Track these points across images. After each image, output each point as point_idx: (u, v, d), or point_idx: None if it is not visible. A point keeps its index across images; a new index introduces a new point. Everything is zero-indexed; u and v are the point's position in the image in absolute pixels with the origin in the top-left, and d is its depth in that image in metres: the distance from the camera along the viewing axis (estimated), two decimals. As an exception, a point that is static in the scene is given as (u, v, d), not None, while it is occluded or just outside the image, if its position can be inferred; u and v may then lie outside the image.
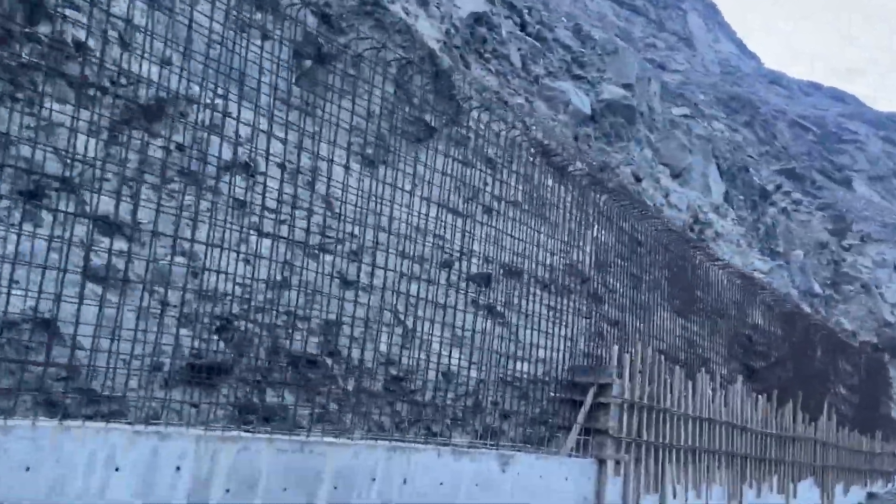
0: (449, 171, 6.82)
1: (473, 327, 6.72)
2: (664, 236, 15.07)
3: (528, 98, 13.01)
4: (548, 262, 8.94)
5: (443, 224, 6.59)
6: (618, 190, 13.78)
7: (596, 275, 10.64)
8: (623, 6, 53.55)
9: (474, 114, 9.03)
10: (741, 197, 25.83)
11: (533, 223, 9.11)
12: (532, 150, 9.85)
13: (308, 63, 6.62)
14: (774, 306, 16.03)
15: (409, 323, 6.29)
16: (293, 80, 6.19)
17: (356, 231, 5.81)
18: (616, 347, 7.90)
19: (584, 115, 15.39)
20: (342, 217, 5.64)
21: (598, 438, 7.13)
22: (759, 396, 13.10)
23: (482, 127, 8.96)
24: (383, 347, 6.07)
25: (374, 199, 5.68)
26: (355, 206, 5.77)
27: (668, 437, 8.53)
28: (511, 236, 7.89)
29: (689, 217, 17.69)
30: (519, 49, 14.42)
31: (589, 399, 7.07)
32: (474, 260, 7.54)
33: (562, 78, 15.87)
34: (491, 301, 7.80)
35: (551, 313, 8.72)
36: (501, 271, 8.60)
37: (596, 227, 12.84)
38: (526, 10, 15.83)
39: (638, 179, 16.00)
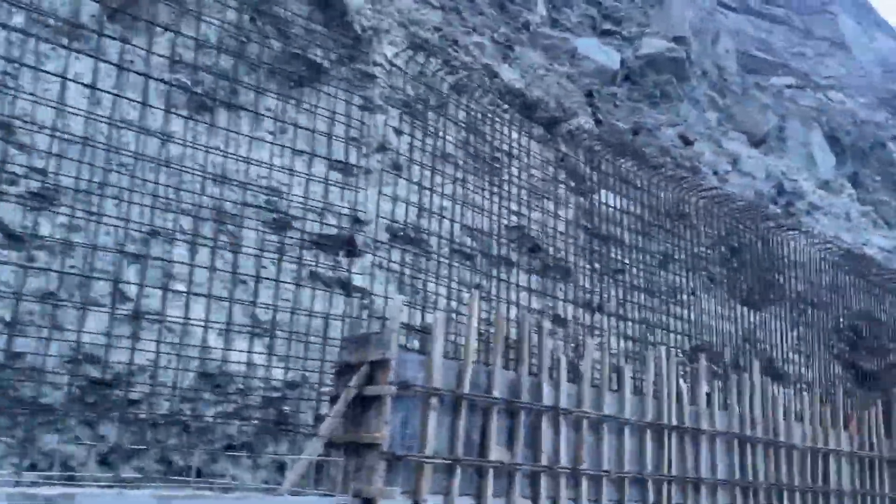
0: (338, 118, 5.50)
1: (300, 306, 4.87)
2: (717, 207, 12.10)
3: (507, 43, 10.82)
4: (478, 225, 6.91)
5: (294, 179, 5.11)
6: (641, 153, 11.20)
7: (576, 246, 8.34)
8: (763, 17, 50.49)
9: (387, 50, 7.31)
10: (877, 177, 21.54)
11: (472, 181, 7.21)
12: (488, 97, 7.89)
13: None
14: (896, 290, 12.35)
15: (152, 301, 4.49)
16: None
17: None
18: (442, 315, 5.16)
19: (610, 71, 12.89)
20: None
21: (363, 459, 4.43)
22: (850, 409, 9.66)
23: (398, 65, 7.20)
24: (85, 338, 4.27)
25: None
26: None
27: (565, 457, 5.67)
28: (427, 191, 6.02)
29: (771, 187, 14.28)
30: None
31: (351, 390, 4.52)
32: (332, 219, 5.71)
33: (584, 34, 13.50)
34: (347, 273, 5.86)
35: (463, 290, 6.60)
36: (388, 237, 6.61)
37: (604, 191, 10.33)
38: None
39: (687, 143, 13.11)
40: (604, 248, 9.84)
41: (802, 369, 11.07)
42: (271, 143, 5.40)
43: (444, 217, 6.41)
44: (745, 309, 10.87)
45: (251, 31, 6.23)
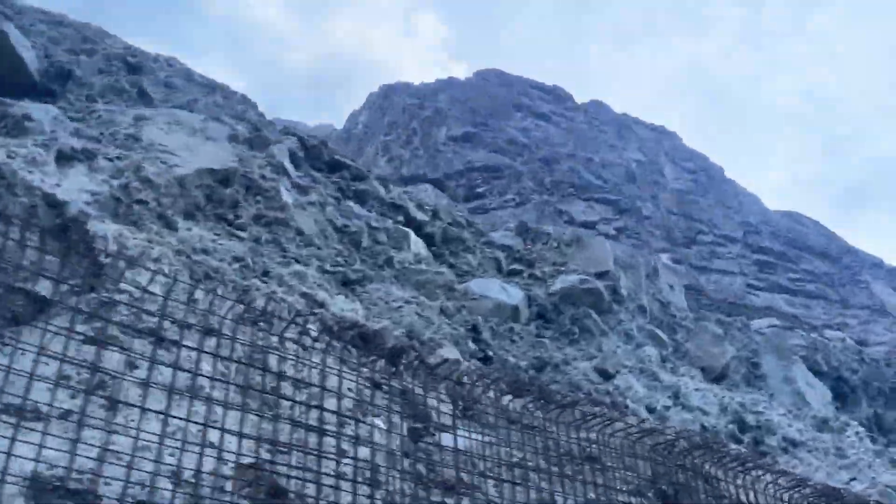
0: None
1: None
2: (640, 446, 10.08)
3: (355, 278, 10.10)
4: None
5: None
6: (545, 389, 9.69)
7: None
8: (796, 295, 51.63)
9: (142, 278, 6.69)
10: None
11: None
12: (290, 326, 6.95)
13: None
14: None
15: None
16: None
17: None
18: None
19: (509, 308, 11.93)
20: None
21: None
22: None
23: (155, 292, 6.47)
24: None
25: None
26: None
27: None
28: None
29: (729, 423, 11.99)
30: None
31: None
32: None
33: (486, 275, 12.84)
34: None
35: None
36: None
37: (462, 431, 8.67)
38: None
39: (607, 377, 11.42)
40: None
41: None
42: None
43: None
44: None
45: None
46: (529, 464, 9.12)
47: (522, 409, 10.02)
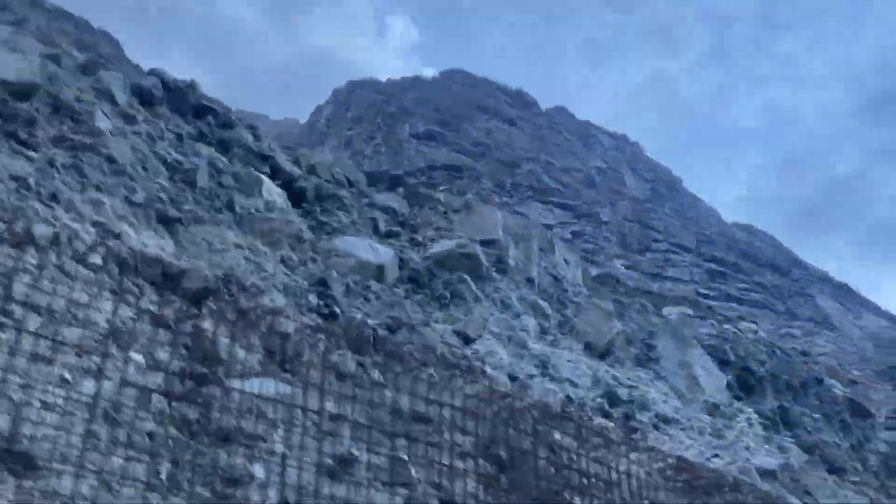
0: None
1: None
2: (486, 408, 9.58)
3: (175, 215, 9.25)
4: None
5: None
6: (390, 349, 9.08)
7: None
8: (743, 304, 52.08)
9: None
10: (816, 414, 18.44)
11: None
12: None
13: None
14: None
15: None
16: None
17: None
18: None
19: (373, 267, 11.22)
20: None
21: None
22: None
23: None
24: None
25: None
26: None
27: None
28: None
29: (599, 396, 11.34)
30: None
31: None
32: None
33: (360, 234, 12.13)
34: None
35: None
36: None
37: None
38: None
39: (468, 341, 10.72)
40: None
41: None
42: None
43: None
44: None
45: None
46: (347, 420, 8.38)
47: (358, 366, 9.30)
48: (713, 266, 56.35)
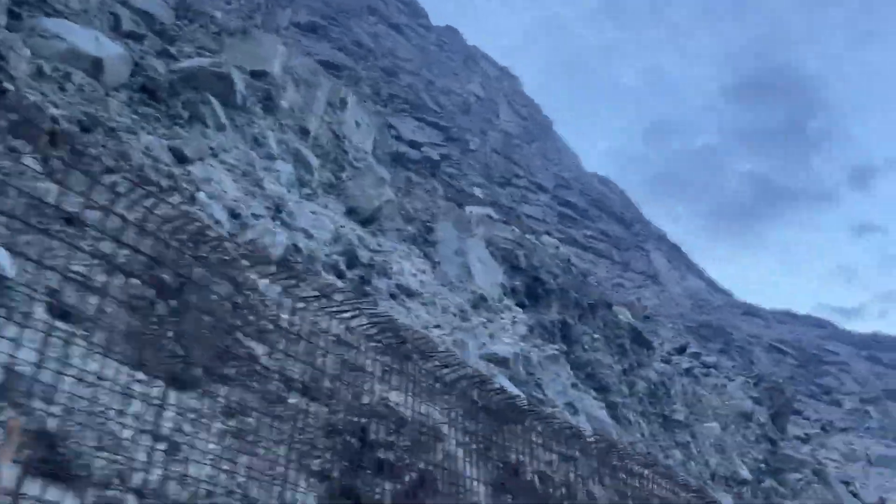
0: None
1: None
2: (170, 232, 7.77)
3: None
4: None
5: None
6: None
7: None
8: (587, 250, 53.76)
9: None
10: (597, 335, 18.23)
11: None
12: None
13: None
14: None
15: None
16: None
17: None
18: None
19: (89, 58, 8.95)
20: None
21: None
22: None
23: None
24: None
25: None
26: None
27: None
28: None
29: (337, 253, 10.01)
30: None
31: None
32: None
33: (91, 26, 9.67)
34: None
35: None
36: None
37: None
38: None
39: (183, 160, 8.88)
40: None
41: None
42: None
43: None
44: (171, 391, 5.94)
45: None
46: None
47: (11, 151, 7.37)
48: (566, 210, 57.52)
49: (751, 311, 53.93)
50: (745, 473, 18.55)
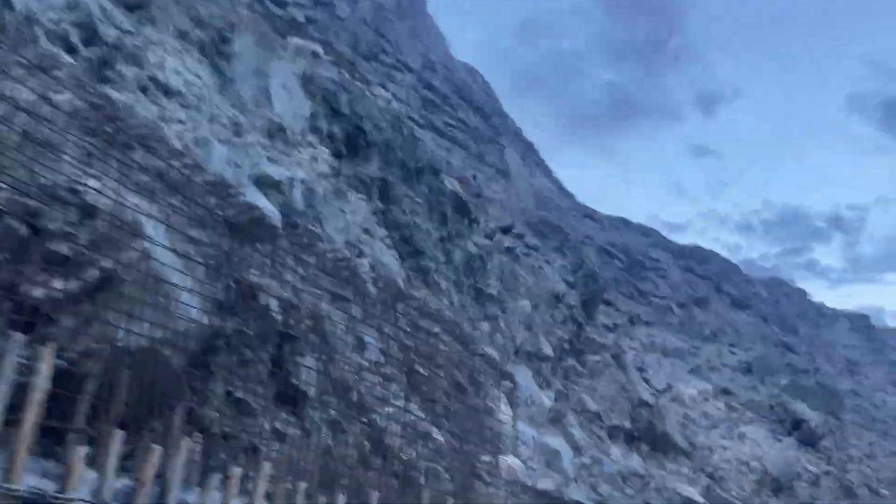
0: None
1: None
2: None
3: None
4: None
5: None
6: None
7: None
8: (444, 137, 52.16)
9: None
10: (420, 200, 17.00)
11: None
12: None
13: None
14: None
15: None
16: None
17: None
18: None
19: None
20: None
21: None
22: None
23: None
24: None
25: None
26: None
27: None
28: None
29: (67, 21, 7.77)
30: None
31: None
32: None
33: None
34: None
35: None
36: None
37: None
38: None
39: None
40: None
41: None
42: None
43: None
44: None
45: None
46: None
47: None
48: (428, 94, 55.54)
49: (589, 215, 55.86)
50: (548, 350, 18.74)
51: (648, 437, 20.46)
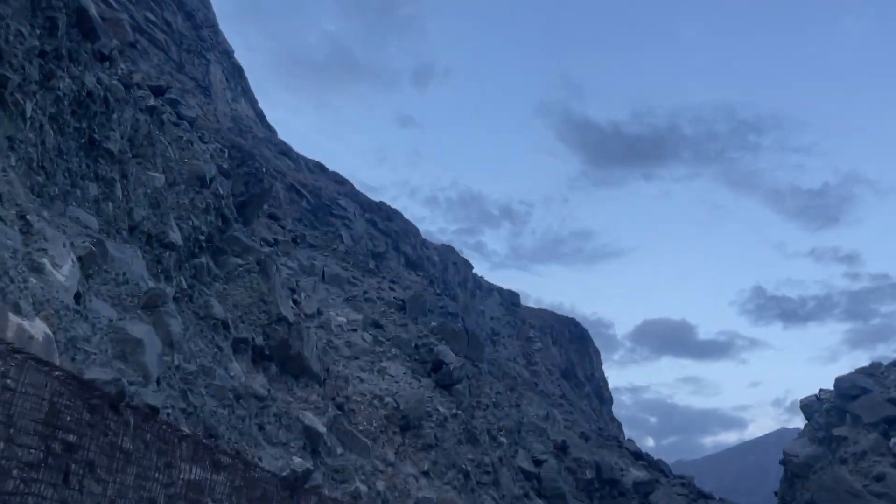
0: None
1: None
2: None
3: None
4: None
5: None
6: None
7: None
8: (143, 35, 44.12)
9: None
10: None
11: None
12: None
13: None
14: None
15: None
16: None
17: None
18: None
19: None
20: None
21: None
22: None
23: None
24: None
25: None
26: None
27: None
28: None
29: None
30: None
31: None
32: None
33: None
34: None
35: None
36: None
37: None
38: None
39: None
40: None
41: None
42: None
43: None
44: None
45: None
46: None
47: None
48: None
49: (286, 153, 52.83)
50: (176, 238, 15.19)
51: (280, 357, 18.25)
